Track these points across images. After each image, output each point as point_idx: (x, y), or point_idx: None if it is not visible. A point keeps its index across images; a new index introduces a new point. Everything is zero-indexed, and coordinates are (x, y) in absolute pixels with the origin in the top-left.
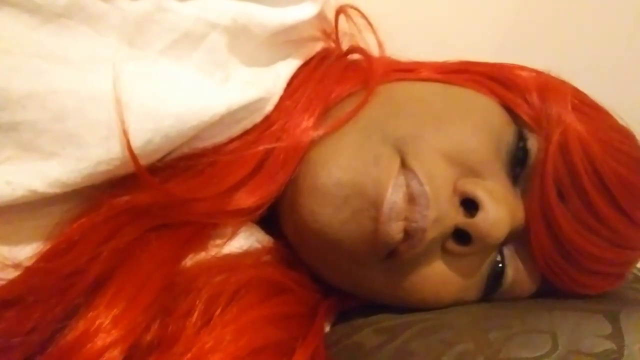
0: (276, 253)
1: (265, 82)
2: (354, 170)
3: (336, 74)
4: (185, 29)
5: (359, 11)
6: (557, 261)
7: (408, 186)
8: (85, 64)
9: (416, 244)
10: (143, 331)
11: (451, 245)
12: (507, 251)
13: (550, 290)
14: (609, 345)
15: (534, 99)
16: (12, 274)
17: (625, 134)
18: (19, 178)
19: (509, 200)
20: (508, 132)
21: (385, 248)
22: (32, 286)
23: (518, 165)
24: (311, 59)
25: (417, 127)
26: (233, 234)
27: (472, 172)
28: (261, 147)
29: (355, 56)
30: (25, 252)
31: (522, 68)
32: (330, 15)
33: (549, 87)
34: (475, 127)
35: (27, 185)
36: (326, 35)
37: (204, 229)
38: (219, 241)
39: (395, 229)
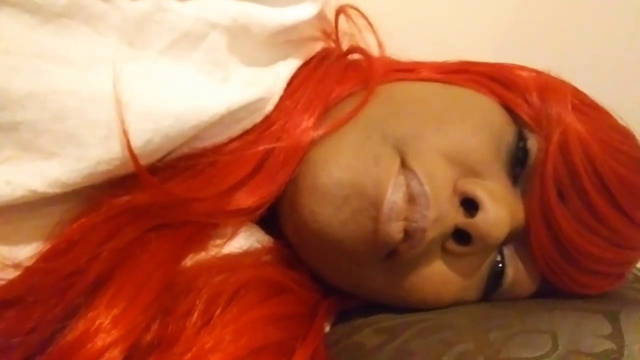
0: (276, 253)
1: (265, 82)
2: (354, 170)
3: (336, 74)
4: (185, 29)
5: (359, 11)
6: (557, 261)
7: (408, 186)
8: (85, 64)
9: (416, 244)
10: (143, 331)
11: (451, 245)
12: (507, 251)
13: (550, 290)
14: (609, 345)
15: (534, 99)
16: (12, 274)
17: (625, 134)
18: (18, 178)
19: (509, 200)
20: (508, 132)
21: (385, 248)
22: (32, 286)
23: (518, 165)
24: (311, 59)
25: (417, 127)
26: (233, 234)
27: (472, 172)
28: (261, 147)
29: (355, 56)
30: (25, 252)
31: (522, 68)
32: (330, 15)
33: (549, 87)
34: (475, 127)
35: (27, 185)
36: (326, 35)
37: (204, 229)
38: (219, 241)
39: (395, 229)
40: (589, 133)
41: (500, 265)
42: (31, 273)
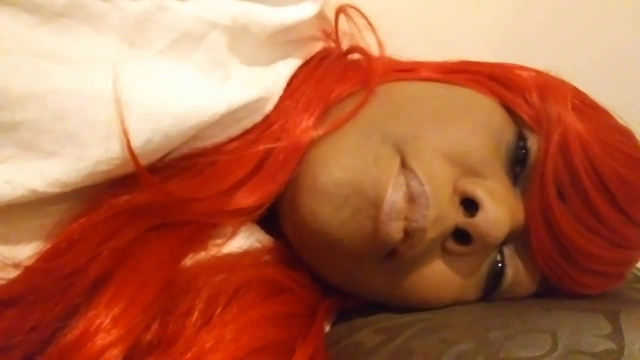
0: (276, 253)
1: (265, 82)
2: (354, 170)
3: (336, 74)
4: (185, 29)
5: (359, 11)
6: (557, 261)
7: (408, 186)
8: (85, 64)
9: (416, 244)
10: (143, 331)
11: (451, 245)
12: (507, 251)
13: (550, 290)
14: (609, 344)
15: (534, 98)
16: (12, 274)
17: (625, 134)
18: (18, 177)
19: (508, 200)
20: (508, 132)
21: (385, 248)
22: (32, 286)
23: (518, 165)
24: (311, 58)
25: (417, 127)
26: (233, 234)
27: (472, 171)
28: (261, 147)
29: (355, 56)
30: (25, 251)
31: (522, 68)
32: (330, 15)
33: (549, 86)
34: (475, 127)
35: (26, 184)
36: (326, 35)
37: (204, 229)
38: (218, 241)
39: (395, 229)
40: (589, 133)
41: (500, 265)
42: (31, 273)
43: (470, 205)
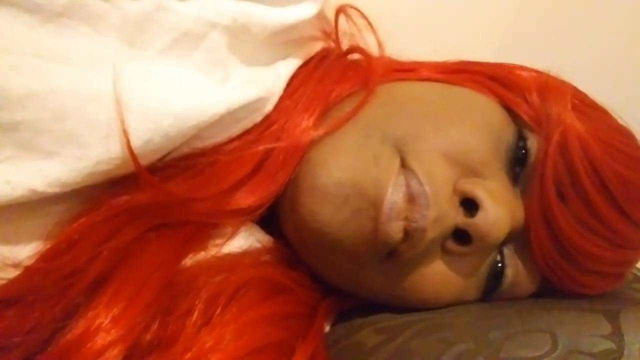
0: (276, 253)
1: (265, 82)
2: (354, 170)
3: (336, 74)
4: (185, 29)
5: (358, 11)
6: (557, 261)
7: (408, 186)
8: (85, 64)
9: (416, 244)
10: (143, 330)
11: (451, 245)
12: (507, 251)
13: (550, 290)
14: (608, 344)
15: (534, 98)
16: (12, 274)
17: (625, 134)
18: (18, 177)
19: (508, 200)
20: (508, 132)
21: (385, 248)
22: (32, 286)
23: (518, 165)
24: (311, 58)
25: (417, 127)
26: (233, 234)
27: (472, 172)
28: (261, 147)
29: (355, 56)
30: (25, 251)
31: (522, 68)
32: (330, 15)
33: (549, 87)
34: (475, 127)
35: (26, 184)
36: (326, 35)
37: (203, 229)
38: (218, 241)
39: (395, 229)
40: (588, 133)
41: (500, 265)
42: (31, 273)
43: (470, 205)
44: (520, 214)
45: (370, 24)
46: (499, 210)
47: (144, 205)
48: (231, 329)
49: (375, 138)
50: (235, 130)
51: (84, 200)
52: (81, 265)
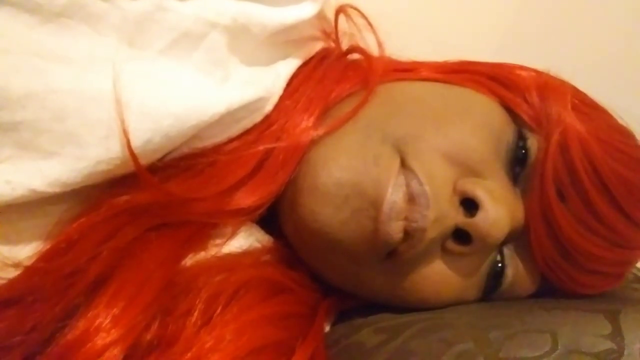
0: (276, 253)
1: (265, 82)
2: (354, 170)
3: (336, 74)
4: (185, 29)
5: (358, 11)
6: (557, 261)
7: (408, 186)
8: (85, 64)
9: (416, 244)
10: (143, 330)
11: (451, 245)
12: (507, 251)
13: (550, 290)
14: (609, 344)
15: (534, 98)
16: (12, 274)
17: (625, 133)
18: (18, 177)
19: (508, 200)
20: (508, 132)
21: (385, 248)
22: (32, 286)
23: (518, 165)
24: (311, 58)
25: (417, 127)
26: (233, 234)
27: (472, 171)
28: (261, 147)
29: (355, 56)
30: (25, 251)
31: (522, 68)
32: (330, 15)
33: (549, 86)
34: (475, 127)
35: (26, 184)
36: (326, 35)
37: (203, 229)
38: (218, 241)
39: (395, 229)
40: (588, 133)
41: (500, 265)
42: (31, 272)
43: (470, 205)
44: (520, 213)
45: (370, 24)
46: (499, 210)
47: (144, 205)
48: (231, 329)
49: (375, 138)
50: (235, 130)
51: (84, 200)
52: (81, 265)
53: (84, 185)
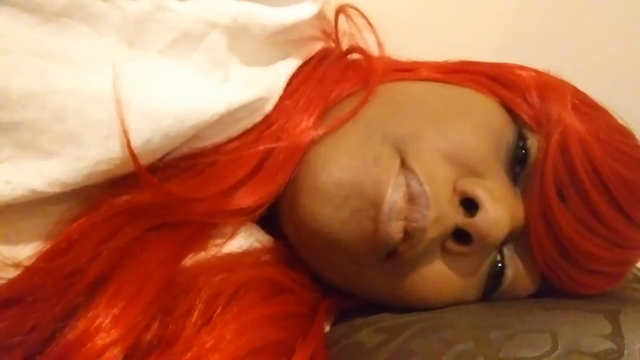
0: (276, 253)
1: (265, 82)
2: (354, 170)
3: (336, 74)
4: (185, 29)
5: (358, 11)
6: (557, 261)
7: (408, 186)
8: (85, 64)
9: (416, 244)
10: (143, 330)
11: (451, 245)
12: (507, 251)
13: (550, 290)
14: (609, 344)
15: (534, 98)
16: (12, 274)
17: (625, 133)
18: (18, 177)
19: (508, 200)
20: (508, 132)
21: (385, 248)
22: (32, 286)
23: (518, 165)
24: (311, 58)
25: (417, 127)
26: (233, 234)
27: (472, 171)
28: (261, 147)
29: (355, 56)
30: (25, 251)
31: (522, 68)
32: (330, 15)
33: (549, 86)
34: (475, 127)
35: (26, 184)
36: (326, 35)
37: (203, 229)
38: (218, 241)
39: (395, 229)
40: (588, 133)
41: (500, 265)
42: (31, 272)
43: (470, 205)
44: (520, 213)
45: (370, 24)
46: (499, 210)
47: (144, 205)
48: (231, 329)
49: (375, 138)
50: (235, 130)
51: (84, 200)
52: (81, 265)
53: (84, 185)
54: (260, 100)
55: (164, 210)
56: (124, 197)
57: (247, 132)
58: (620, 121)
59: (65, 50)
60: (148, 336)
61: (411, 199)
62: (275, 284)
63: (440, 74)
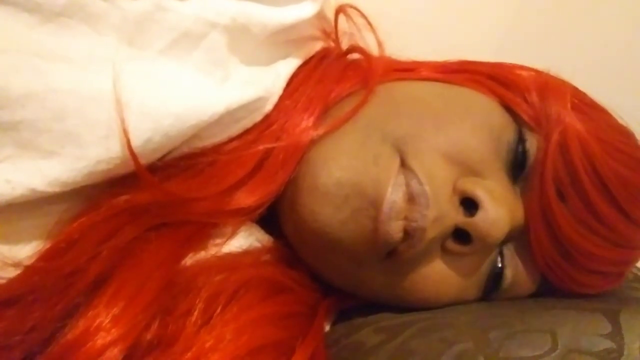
0: (276, 252)
1: (264, 82)
2: (354, 170)
3: (336, 74)
4: (184, 29)
5: (358, 11)
6: (557, 261)
7: (408, 185)
8: (85, 64)
9: (416, 244)
10: (143, 330)
11: (451, 244)
12: (507, 251)
13: (550, 290)
14: (608, 344)
15: (534, 98)
16: (12, 273)
17: (625, 133)
18: (18, 177)
19: (508, 200)
20: (508, 132)
21: (385, 247)
22: (32, 285)
23: (518, 164)
24: (311, 58)
25: (416, 126)
26: (233, 234)
27: (471, 171)
28: (261, 147)
29: (355, 56)
30: (25, 251)
31: (522, 68)
32: (330, 14)
33: (549, 86)
34: (475, 127)
35: (26, 184)
36: (326, 34)
37: (203, 228)
38: (218, 240)
39: (394, 229)
40: (588, 132)
41: (500, 265)
42: (31, 272)
43: (470, 205)
44: (520, 213)
45: (370, 23)
46: (498, 209)
47: (144, 204)
48: (231, 329)
49: (375, 138)
50: (235, 130)
51: (84, 199)
52: (81, 264)
53: (84, 185)
54: (260, 100)
55: (164, 210)
56: (124, 197)
57: (247, 131)
58: (620, 121)
59: (65, 50)
60: (148, 336)
61: (411, 198)
62: (275, 283)
63: (440, 74)
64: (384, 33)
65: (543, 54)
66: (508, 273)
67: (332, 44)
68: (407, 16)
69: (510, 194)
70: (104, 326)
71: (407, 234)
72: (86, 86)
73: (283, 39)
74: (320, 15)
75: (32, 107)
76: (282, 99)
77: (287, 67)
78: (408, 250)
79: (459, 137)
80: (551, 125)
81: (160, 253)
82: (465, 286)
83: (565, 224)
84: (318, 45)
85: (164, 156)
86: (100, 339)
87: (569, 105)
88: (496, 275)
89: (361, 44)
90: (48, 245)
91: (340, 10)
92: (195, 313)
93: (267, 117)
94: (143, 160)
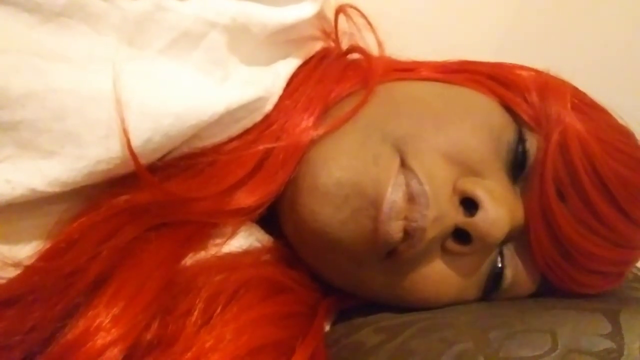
0: (276, 252)
1: (264, 82)
2: (354, 170)
3: (336, 74)
4: (184, 28)
5: (358, 11)
6: (557, 261)
7: (408, 185)
8: (84, 63)
9: (416, 244)
10: (143, 330)
11: (451, 244)
12: (507, 251)
13: (550, 290)
14: (608, 344)
15: (534, 98)
16: (12, 273)
17: (625, 133)
18: (18, 177)
19: (508, 200)
20: (508, 132)
21: (385, 247)
22: (32, 285)
23: (518, 164)
24: (311, 58)
25: (416, 126)
26: (233, 233)
27: (471, 171)
28: (261, 147)
29: (355, 55)
30: (25, 251)
31: (522, 68)
32: (330, 14)
33: (549, 86)
34: (475, 127)
35: (26, 184)
36: (326, 34)
37: (203, 228)
38: (218, 240)
39: (394, 228)
40: (588, 132)
41: (500, 265)
42: (31, 272)
43: (470, 204)
44: (520, 213)
45: (370, 23)
46: (498, 209)
47: (144, 204)
48: (231, 329)
49: (375, 138)
50: (235, 129)
51: (84, 199)
52: (81, 264)
53: (84, 185)
54: (260, 100)
55: (164, 210)
56: (124, 197)
57: (247, 131)
58: (620, 121)
59: (65, 50)
60: (148, 336)
61: (411, 198)
62: (275, 283)
63: (440, 74)
64: (384, 33)
65: (543, 54)
66: (508, 273)
67: (332, 44)
68: (407, 16)
69: (510, 194)
70: (104, 326)
71: (407, 234)
72: (86, 86)
73: (283, 39)
74: (320, 15)
75: (32, 107)
76: (282, 99)
77: (287, 67)
78: (408, 250)
79: (459, 137)
80: (551, 125)
81: (160, 253)
82: (465, 286)
83: (565, 223)
84: (318, 45)
85: (164, 156)
86: (100, 339)
87: (569, 105)
88: (496, 275)
89: (361, 44)
90: (48, 245)
91: (340, 10)
92: (195, 313)
93: (267, 117)
94: (143, 160)
